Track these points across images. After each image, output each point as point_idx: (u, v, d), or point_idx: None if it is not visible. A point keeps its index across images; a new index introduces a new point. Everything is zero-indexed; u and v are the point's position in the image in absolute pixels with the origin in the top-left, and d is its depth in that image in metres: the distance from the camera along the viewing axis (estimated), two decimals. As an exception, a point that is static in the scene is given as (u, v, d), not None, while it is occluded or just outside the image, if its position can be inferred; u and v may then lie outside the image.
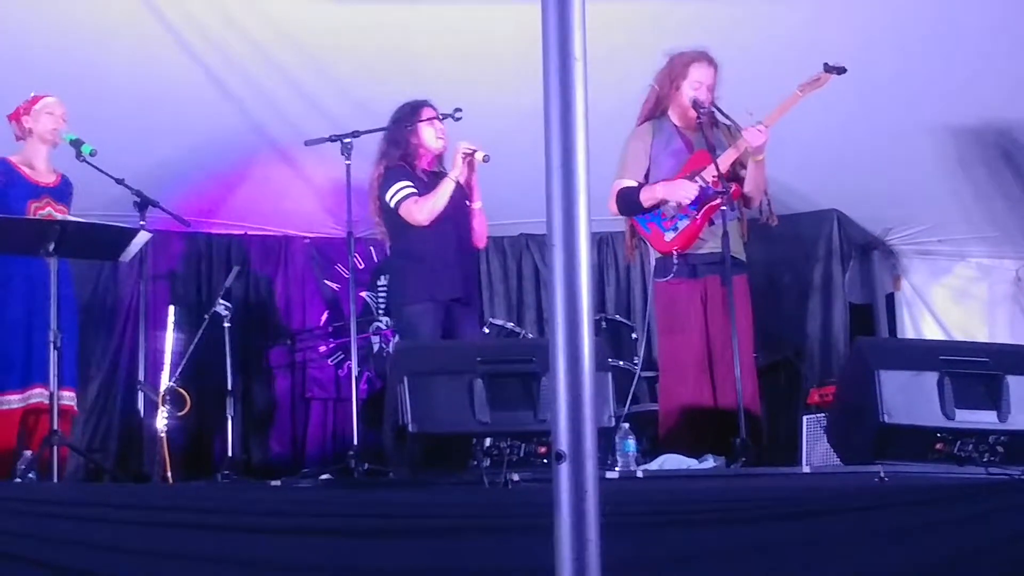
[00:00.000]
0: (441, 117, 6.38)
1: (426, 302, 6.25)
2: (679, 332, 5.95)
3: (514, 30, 5.25)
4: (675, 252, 5.94)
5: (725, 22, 6.62)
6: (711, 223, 5.92)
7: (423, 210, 6.29)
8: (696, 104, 5.88)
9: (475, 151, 6.23)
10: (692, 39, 6.15)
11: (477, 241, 6.56)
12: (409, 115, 6.45)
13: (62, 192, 6.40)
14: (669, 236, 5.97)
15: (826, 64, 5.77)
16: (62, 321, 5.76)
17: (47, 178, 6.36)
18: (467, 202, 6.42)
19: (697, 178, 5.89)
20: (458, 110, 6.35)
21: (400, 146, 6.42)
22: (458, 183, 6.29)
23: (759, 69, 6.60)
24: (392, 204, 6.33)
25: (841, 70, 5.77)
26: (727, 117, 6.03)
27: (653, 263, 6.07)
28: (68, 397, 6.13)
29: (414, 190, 6.31)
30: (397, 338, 7.01)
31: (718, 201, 5.81)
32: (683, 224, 5.94)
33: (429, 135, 6.43)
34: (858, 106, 6.45)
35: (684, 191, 5.90)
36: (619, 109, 6.08)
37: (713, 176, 5.82)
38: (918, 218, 8.39)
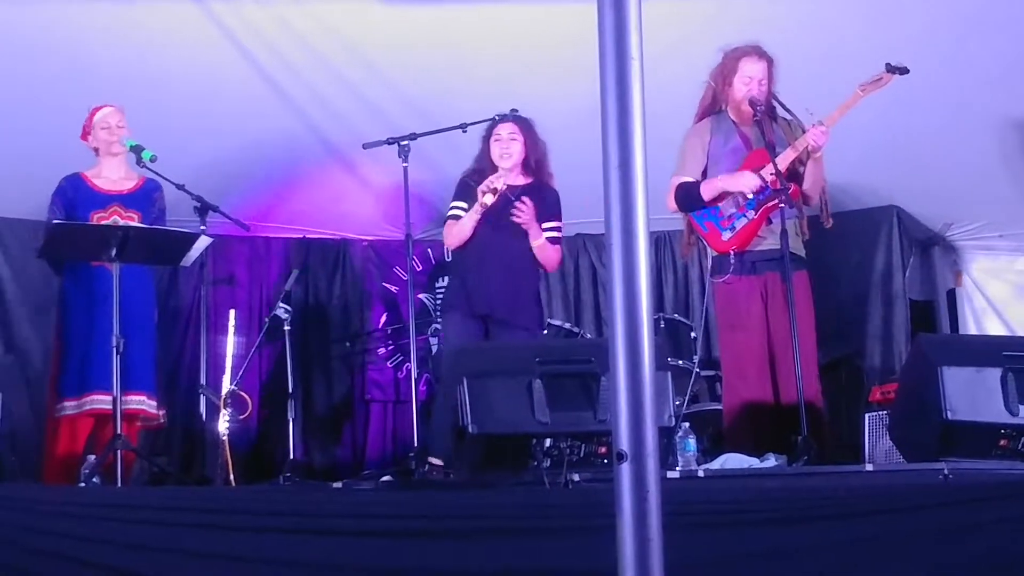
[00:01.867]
0: (497, 118, 6.39)
1: (459, 311, 6.31)
2: (740, 329, 5.92)
3: (569, 29, 5.23)
4: (732, 251, 5.92)
5: (780, 18, 6.57)
6: (769, 222, 5.89)
7: (449, 234, 6.45)
8: (752, 102, 5.85)
9: (486, 192, 6.18)
10: (747, 36, 6.11)
11: (545, 265, 6.56)
12: (487, 128, 6.49)
13: (137, 198, 6.49)
14: (726, 235, 5.95)
15: (888, 64, 5.73)
16: (136, 327, 5.84)
17: (121, 186, 6.46)
18: (512, 225, 6.34)
19: (759, 174, 5.87)
20: (514, 110, 6.37)
21: (481, 153, 6.48)
22: (506, 203, 6.28)
23: (817, 65, 6.56)
24: (445, 216, 6.49)
25: (903, 70, 5.73)
26: (788, 111, 6.00)
27: (711, 261, 6.04)
28: (139, 401, 6.19)
29: (458, 212, 6.40)
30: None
31: (776, 201, 5.77)
32: (740, 224, 5.92)
33: (495, 151, 6.43)
34: (918, 101, 6.39)
35: (746, 181, 5.88)
36: (675, 108, 6.05)
37: (772, 175, 5.78)
38: (979, 213, 8.30)
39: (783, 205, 5.70)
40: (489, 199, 6.13)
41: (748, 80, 5.96)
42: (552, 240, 6.48)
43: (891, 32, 6.56)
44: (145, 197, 6.52)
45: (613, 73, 2.17)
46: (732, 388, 5.99)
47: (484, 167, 6.41)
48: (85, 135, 6.49)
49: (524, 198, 6.28)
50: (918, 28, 6.57)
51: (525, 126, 6.43)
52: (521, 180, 6.46)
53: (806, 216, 6.10)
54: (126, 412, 5.90)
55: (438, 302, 8.56)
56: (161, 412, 6.58)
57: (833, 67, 6.53)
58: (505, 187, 6.18)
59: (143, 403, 6.30)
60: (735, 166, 5.99)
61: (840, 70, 6.29)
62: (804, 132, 5.89)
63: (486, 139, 6.45)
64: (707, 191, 5.97)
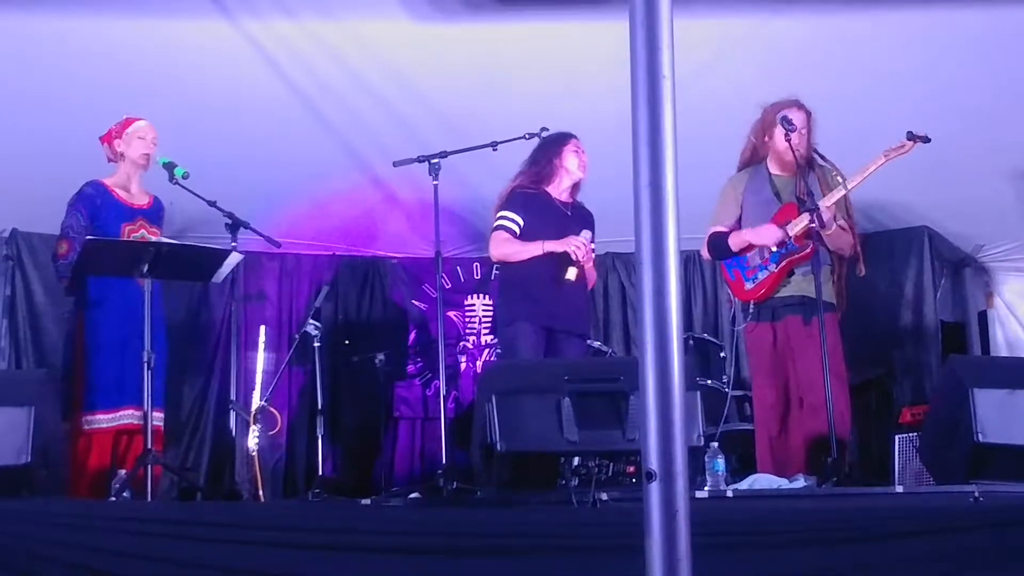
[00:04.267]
0: (528, 136, 6.42)
1: (525, 322, 6.30)
2: (763, 374, 6.13)
3: (600, 48, 5.24)
4: (752, 302, 6.13)
5: (810, 39, 6.56)
6: (791, 274, 6.06)
7: (500, 250, 6.48)
8: (785, 121, 5.88)
9: (576, 263, 6.29)
10: (777, 56, 6.12)
11: (588, 283, 6.66)
12: (557, 140, 6.53)
13: (155, 214, 6.50)
14: (749, 285, 6.17)
15: (909, 133, 5.89)
16: (154, 343, 5.85)
17: (140, 200, 6.46)
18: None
19: (783, 229, 5.96)
20: (544, 129, 6.39)
21: (540, 165, 6.50)
22: (571, 216, 6.43)
23: (848, 85, 6.55)
24: (493, 223, 6.47)
25: (925, 139, 5.89)
26: (827, 161, 6.11)
27: (735, 307, 6.40)
28: (157, 418, 6.21)
29: (514, 226, 6.43)
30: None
31: (799, 256, 5.97)
32: (763, 276, 6.12)
33: (572, 162, 6.50)
34: (948, 122, 6.36)
35: (769, 236, 6.05)
36: (705, 127, 6.05)
37: (799, 231, 5.94)
38: (1010, 234, 8.26)
39: (801, 257, 5.92)
40: (572, 273, 6.26)
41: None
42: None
43: (923, 50, 6.55)
44: (158, 215, 6.54)
45: (644, 91, 2.17)
46: (761, 429, 6.14)
47: (546, 178, 6.48)
48: (111, 139, 6.45)
49: (586, 234, 6.39)
50: (949, 47, 6.55)
51: None
52: (568, 197, 6.59)
53: (845, 261, 6.15)
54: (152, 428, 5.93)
55: (467, 320, 8.57)
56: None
57: (865, 87, 6.52)
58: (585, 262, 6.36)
59: (160, 419, 6.32)
60: (766, 217, 6.13)
61: (872, 90, 6.28)
62: (842, 179, 5.99)
63: (556, 151, 6.50)
64: (735, 243, 6.19)
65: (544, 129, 6.36)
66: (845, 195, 5.95)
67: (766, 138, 6.15)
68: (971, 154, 7.23)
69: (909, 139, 5.86)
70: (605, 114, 5.23)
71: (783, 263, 6.04)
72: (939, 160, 7.18)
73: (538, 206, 6.45)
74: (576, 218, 6.51)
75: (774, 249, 6.04)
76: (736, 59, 6.52)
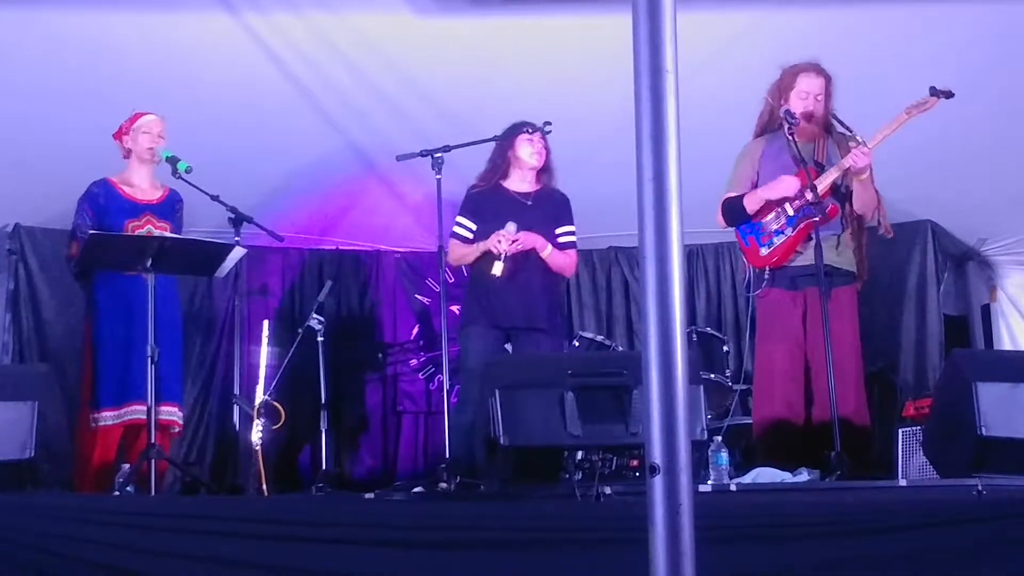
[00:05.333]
0: (531, 130, 6.41)
1: (480, 325, 6.33)
2: (774, 341, 5.95)
3: (604, 42, 5.23)
4: (769, 267, 5.95)
5: (816, 33, 6.55)
6: (809, 238, 5.88)
7: (452, 255, 6.54)
8: (787, 115, 5.84)
9: (501, 255, 6.27)
10: (782, 50, 6.11)
11: (561, 272, 6.63)
12: (509, 132, 6.53)
13: (166, 208, 6.50)
14: (764, 251, 5.99)
15: (932, 88, 5.75)
16: (164, 337, 5.86)
17: (150, 195, 6.47)
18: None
19: (806, 192, 5.85)
20: (548, 123, 6.38)
21: (495, 161, 6.52)
22: (527, 207, 6.42)
23: (856, 80, 6.54)
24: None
25: (948, 94, 5.75)
26: (846, 128, 5.99)
27: (749, 275, 6.09)
28: (169, 412, 6.23)
29: (465, 233, 6.51)
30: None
31: (817, 218, 5.78)
32: (779, 240, 5.95)
33: (525, 151, 6.48)
34: (952, 116, 6.35)
35: (785, 187, 5.91)
36: (709, 121, 6.05)
37: (821, 191, 5.81)
38: (1014, 228, 8.25)
39: (818, 222, 5.70)
40: (498, 268, 6.24)
41: (805, 95, 5.97)
42: (566, 245, 6.56)
43: (926, 47, 6.54)
44: (171, 208, 6.54)
45: (648, 85, 2.17)
46: (763, 401, 5.99)
47: (502, 172, 6.49)
48: (120, 135, 6.48)
49: (511, 226, 6.34)
50: (954, 42, 6.55)
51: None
52: (533, 186, 6.56)
53: (865, 229, 6.09)
54: (159, 423, 5.94)
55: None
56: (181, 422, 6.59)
57: (872, 83, 6.52)
58: (510, 252, 6.28)
59: (173, 414, 6.33)
60: None
61: (878, 86, 6.29)
62: (861, 140, 5.92)
63: (509, 143, 6.50)
64: (751, 203, 6.02)
65: (547, 123, 6.35)
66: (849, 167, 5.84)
67: (783, 101, 6.01)
68: (975, 148, 7.23)
69: (932, 95, 5.73)
70: (608, 108, 5.24)
71: (800, 226, 5.89)
72: (943, 154, 7.20)
73: (491, 204, 6.45)
74: (538, 206, 6.49)
75: (791, 213, 5.89)
76: (740, 53, 6.52)
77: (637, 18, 2.17)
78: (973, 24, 6.48)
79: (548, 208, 6.51)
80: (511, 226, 6.33)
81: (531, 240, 6.37)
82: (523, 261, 6.39)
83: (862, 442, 5.70)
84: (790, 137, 5.87)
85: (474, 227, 6.47)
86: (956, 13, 6.42)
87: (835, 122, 6.06)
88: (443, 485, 5.54)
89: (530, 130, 6.46)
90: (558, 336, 6.76)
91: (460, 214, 6.55)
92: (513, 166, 6.53)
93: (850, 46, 6.62)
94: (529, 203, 6.47)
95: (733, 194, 6.09)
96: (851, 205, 5.95)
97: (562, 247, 6.54)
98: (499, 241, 6.27)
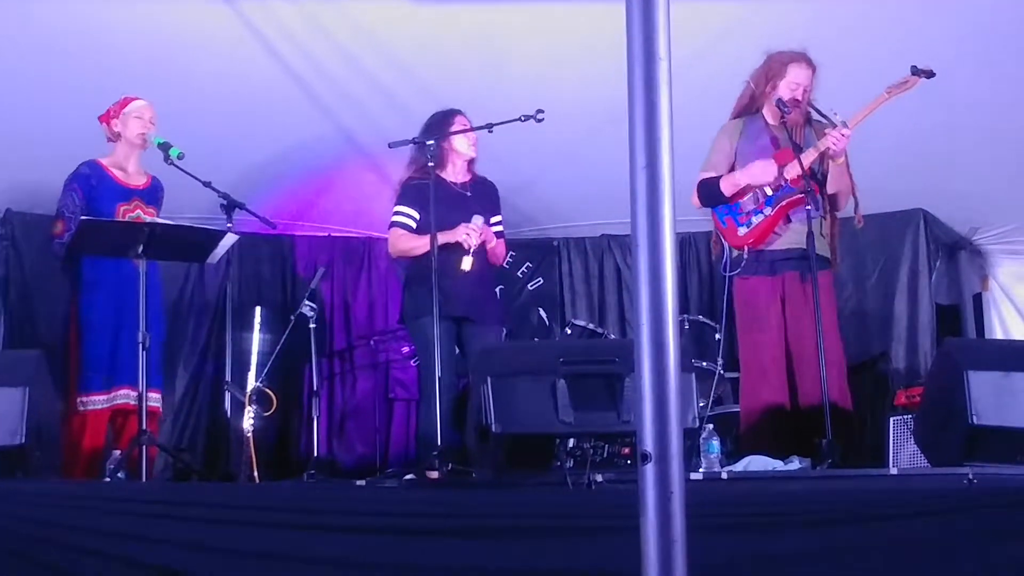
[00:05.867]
0: (523, 119, 6.37)
1: (430, 316, 6.13)
2: (759, 331, 5.92)
3: (597, 30, 5.23)
4: (747, 247, 5.93)
5: (810, 22, 6.55)
6: (787, 220, 5.89)
7: (396, 247, 6.45)
8: (780, 103, 5.84)
9: (469, 249, 6.23)
10: (776, 39, 6.11)
11: (492, 260, 6.60)
12: (441, 122, 6.47)
13: (152, 194, 6.49)
14: (742, 231, 5.97)
15: (914, 67, 5.74)
16: (152, 324, 5.85)
17: (137, 180, 6.45)
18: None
19: (784, 173, 5.85)
20: (540, 111, 6.34)
21: (428, 154, 6.31)
22: (463, 197, 6.39)
23: (848, 69, 6.54)
24: (390, 220, 6.45)
25: (930, 73, 5.73)
26: (823, 116, 5.98)
27: (727, 257, 6.03)
28: (153, 399, 6.22)
29: (408, 222, 6.40)
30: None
31: (795, 198, 5.79)
32: (757, 220, 5.94)
33: (461, 143, 6.47)
34: (946, 104, 6.37)
35: (762, 172, 5.90)
36: (702, 110, 6.04)
37: (795, 173, 5.77)
38: (1006, 217, 8.27)
39: (808, 205, 5.69)
40: (468, 263, 6.20)
41: (795, 86, 5.96)
42: (499, 234, 6.58)
43: (921, 35, 6.54)
44: (156, 195, 6.53)
45: (641, 74, 2.17)
46: (750, 389, 5.97)
47: (438, 163, 6.37)
48: (108, 118, 6.45)
49: (478, 219, 6.32)
50: (947, 31, 6.54)
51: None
52: (466, 176, 6.56)
53: (838, 219, 6.10)
54: (147, 409, 5.94)
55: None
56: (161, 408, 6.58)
57: (863, 71, 6.51)
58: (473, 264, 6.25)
59: (156, 400, 6.33)
60: None
61: (870, 74, 6.27)
62: (840, 122, 5.92)
63: (442, 135, 6.41)
64: (727, 186, 5.99)
65: (540, 111, 6.32)
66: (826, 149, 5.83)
67: (769, 88, 6.01)
68: (968, 137, 7.23)
69: (914, 74, 5.72)
70: (601, 96, 5.23)
71: (779, 206, 5.88)
72: (936, 143, 7.21)
73: (439, 194, 6.34)
74: (477, 197, 6.47)
75: (769, 193, 5.89)
76: (733, 43, 6.51)
77: (631, 6, 2.17)
78: (965, 14, 6.47)
79: (485, 198, 6.51)
80: (478, 219, 6.31)
81: (488, 234, 6.38)
82: (475, 253, 6.37)
83: (846, 428, 5.69)
84: (782, 125, 5.87)
85: (417, 216, 6.40)
86: (949, 2, 6.42)
87: (813, 111, 6.05)
88: (434, 474, 5.53)
89: (465, 120, 6.45)
90: (503, 323, 6.77)
91: (401, 204, 6.44)
92: (449, 157, 6.49)
93: (843, 36, 6.62)
94: (468, 194, 6.46)
95: (710, 175, 6.06)
96: (819, 187, 5.93)
97: (497, 236, 6.57)
98: (468, 235, 6.24)
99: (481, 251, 6.40)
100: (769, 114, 6.08)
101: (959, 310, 8.56)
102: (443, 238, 6.19)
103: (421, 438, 6.28)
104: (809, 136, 6.01)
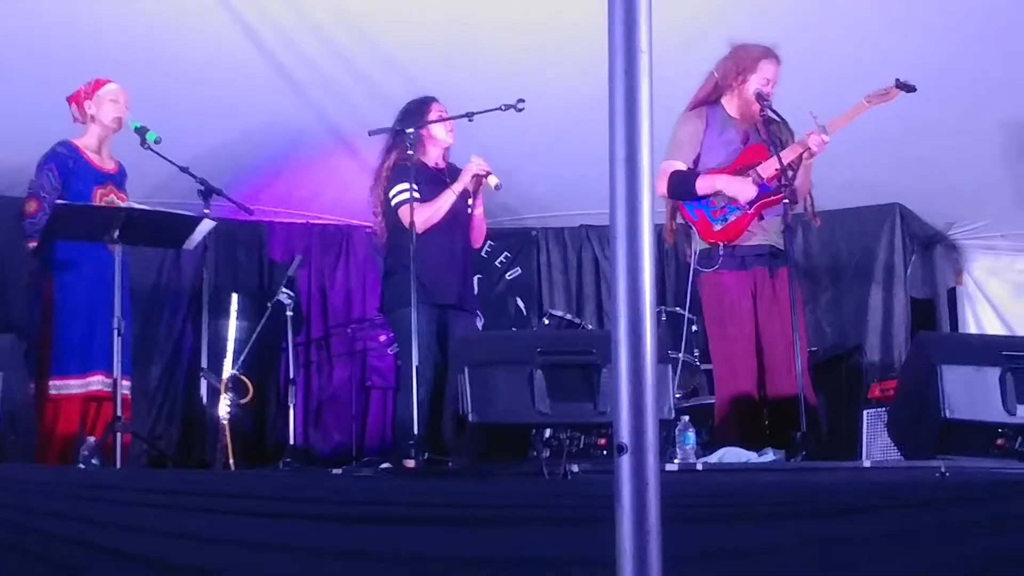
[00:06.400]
0: (504, 108, 6.37)
1: (420, 305, 6.20)
2: (731, 325, 5.89)
3: (578, 20, 5.24)
4: (721, 244, 5.91)
5: (789, 16, 6.56)
6: (760, 217, 5.89)
7: (420, 217, 6.23)
8: (760, 97, 5.85)
9: (488, 174, 6.27)
10: (756, 32, 6.11)
11: (474, 243, 6.62)
12: (418, 110, 6.46)
13: (121, 179, 6.46)
14: (718, 227, 5.92)
15: (898, 80, 5.75)
16: (122, 310, 5.82)
17: (108, 164, 6.41)
18: (468, 209, 6.46)
19: (752, 172, 5.85)
20: (521, 100, 6.34)
21: (408, 140, 6.28)
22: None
23: (824, 62, 6.57)
24: (392, 204, 6.37)
25: (911, 88, 5.75)
26: (777, 114, 5.95)
27: (697, 251, 5.99)
28: (124, 386, 6.20)
29: (415, 195, 6.29)
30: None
31: (774, 198, 5.77)
32: (733, 216, 5.90)
33: (439, 129, 6.46)
34: (923, 100, 6.37)
35: (744, 191, 5.85)
36: (682, 103, 6.06)
37: (773, 172, 5.77)
38: (981, 213, 8.33)
39: (786, 201, 5.69)
40: (493, 182, 6.22)
41: (766, 82, 5.95)
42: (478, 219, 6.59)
43: (898, 32, 6.56)
44: (124, 180, 6.50)
45: (622, 66, 2.17)
46: (724, 384, 5.96)
47: (416, 146, 6.31)
48: (80, 99, 6.37)
49: (476, 157, 6.36)
50: (925, 27, 6.58)
51: None
52: (443, 162, 6.57)
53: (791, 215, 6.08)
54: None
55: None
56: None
57: (840, 66, 6.54)
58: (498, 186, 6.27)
59: (127, 388, 6.31)
60: (728, 158, 5.98)
61: (847, 69, 6.31)
62: (792, 137, 5.94)
63: (420, 122, 6.39)
64: (703, 187, 5.93)
65: (520, 101, 6.32)
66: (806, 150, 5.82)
67: (737, 81, 5.98)
68: (944, 133, 7.27)
69: (897, 87, 5.73)
70: (582, 87, 5.24)
71: (756, 205, 5.85)
72: (912, 138, 7.24)
73: (422, 178, 6.36)
74: (455, 180, 6.45)
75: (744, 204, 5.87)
76: (714, 36, 6.50)
77: (612, -3, 2.17)
78: (942, 12, 6.50)
79: (466, 192, 6.47)
80: (475, 157, 6.35)
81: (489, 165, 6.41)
82: (459, 237, 6.42)
83: (812, 420, 5.71)
84: (762, 126, 5.88)
85: (417, 187, 6.30)
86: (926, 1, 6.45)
87: (770, 110, 5.95)
88: (410, 462, 5.53)
89: (441, 108, 6.45)
90: (477, 310, 6.80)
91: (397, 183, 6.35)
92: (428, 143, 6.49)
93: (821, 29, 6.64)
94: (448, 180, 6.46)
95: (679, 166, 5.97)
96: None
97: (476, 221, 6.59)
98: (479, 164, 6.29)
99: (466, 230, 6.44)
100: (733, 107, 6.05)
101: (933, 304, 8.61)
102: (458, 187, 6.27)
103: (398, 426, 6.27)
104: (772, 133, 5.96)
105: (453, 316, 6.37)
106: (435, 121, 6.41)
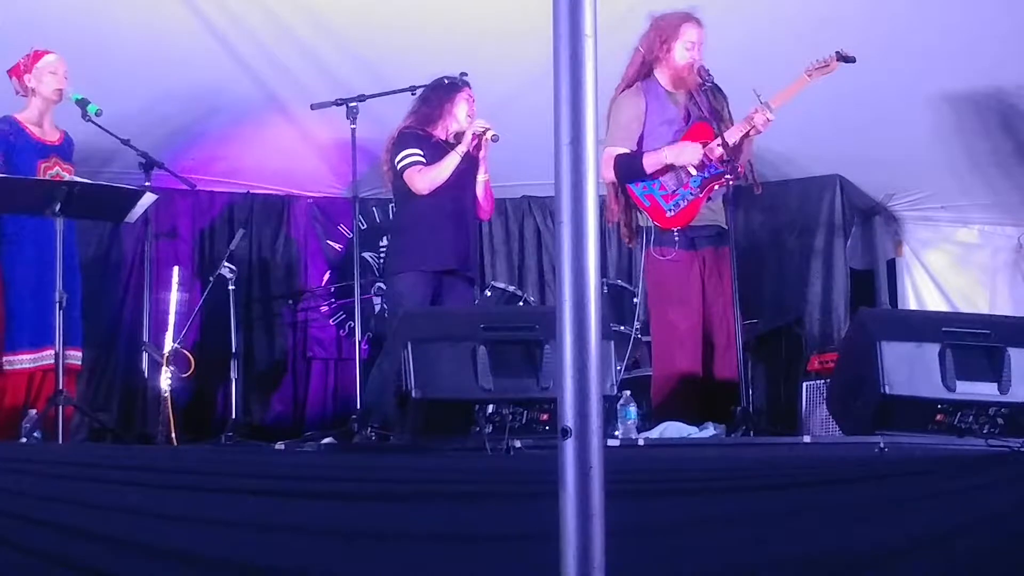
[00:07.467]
0: (446, 80, 6.37)
1: (414, 271, 6.29)
2: (679, 303, 5.90)
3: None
4: (676, 229, 5.89)
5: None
6: (710, 199, 5.90)
7: (425, 179, 6.34)
8: (701, 72, 5.82)
9: (487, 130, 6.29)
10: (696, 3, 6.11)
11: (482, 213, 6.66)
12: (452, 87, 6.50)
13: (66, 150, 6.40)
14: (671, 212, 5.88)
15: (838, 52, 5.74)
16: (66, 281, 5.78)
17: (52, 136, 6.35)
18: (473, 175, 6.49)
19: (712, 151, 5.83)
20: (464, 74, 6.36)
21: (431, 107, 6.47)
22: (466, 154, 6.33)
23: (760, 40, 6.59)
24: (398, 168, 6.38)
25: (851, 59, 5.75)
26: (708, 78, 5.85)
27: (651, 234, 5.95)
28: (74, 356, 6.18)
29: (420, 158, 6.36)
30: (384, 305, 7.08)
31: (721, 179, 5.75)
32: (685, 202, 5.87)
33: (463, 110, 6.49)
34: (860, 72, 6.41)
35: (691, 155, 5.83)
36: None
37: (719, 151, 5.76)
38: (920, 184, 8.39)
39: (731, 182, 5.69)
40: (490, 134, 6.28)
41: (691, 45, 5.87)
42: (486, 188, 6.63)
43: (835, 5, 6.59)
44: (70, 150, 6.44)
45: (567, 50, 2.18)
46: (665, 360, 5.97)
47: (433, 121, 6.46)
48: (19, 72, 6.30)
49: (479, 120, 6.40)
50: (862, 2, 6.61)
51: None
52: (453, 139, 6.55)
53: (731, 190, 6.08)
54: (67, 367, 5.89)
55: (381, 261, 8.54)
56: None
57: (776, 42, 6.57)
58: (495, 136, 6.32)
59: (77, 358, 6.29)
60: (672, 137, 5.93)
61: (783, 45, 6.33)
62: (727, 101, 5.96)
63: (449, 97, 6.48)
64: (650, 164, 5.89)
65: (463, 74, 6.34)
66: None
67: (663, 52, 5.93)
68: (884, 104, 7.31)
69: (838, 59, 5.72)
70: (524, 60, 5.23)
71: (705, 188, 5.83)
72: (852, 109, 7.29)
73: (428, 146, 6.43)
74: (465, 157, 6.46)
75: (694, 173, 5.82)
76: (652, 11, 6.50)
77: (557, -20, 2.17)
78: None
79: (472, 159, 6.49)
80: (479, 120, 6.39)
81: (483, 154, 6.47)
82: (463, 202, 6.47)
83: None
84: (698, 95, 5.86)
85: (422, 153, 6.41)
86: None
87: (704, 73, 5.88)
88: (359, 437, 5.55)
89: (460, 82, 6.47)
90: (476, 280, 6.88)
91: (408, 146, 6.41)
92: (444, 119, 6.51)
93: (756, 5, 6.65)
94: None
95: (622, 150, 5.94)
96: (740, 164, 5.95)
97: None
98: (480, 122, 6.34)
99: (473, 196, 6.52)
100: (665, 79, 6.00)
101: (873, 275, 8.68)
102: (461, 148, 6.33)
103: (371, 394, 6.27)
104: (708, 102, 5.90)
105: (449, 284, 6.42)
106: (381, 95, 6.40)
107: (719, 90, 5.98)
